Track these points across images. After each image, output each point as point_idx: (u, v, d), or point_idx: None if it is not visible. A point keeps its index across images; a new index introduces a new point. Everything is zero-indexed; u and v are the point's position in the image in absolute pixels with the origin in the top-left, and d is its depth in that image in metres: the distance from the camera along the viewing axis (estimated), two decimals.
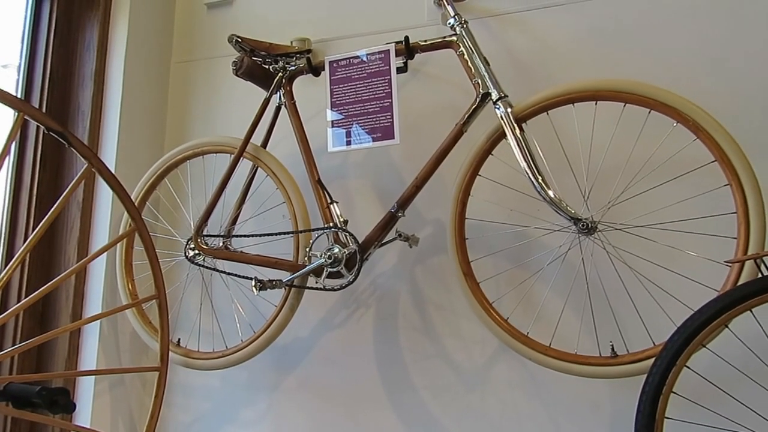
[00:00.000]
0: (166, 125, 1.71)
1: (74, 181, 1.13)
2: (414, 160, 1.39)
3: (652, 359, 0.94)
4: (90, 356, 1.46)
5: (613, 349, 1.07)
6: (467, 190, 1.20)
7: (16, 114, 1.03)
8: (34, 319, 1.46)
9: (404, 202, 1.22)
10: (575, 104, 1.12)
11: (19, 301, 1.43)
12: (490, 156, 1.19)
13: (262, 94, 1.39)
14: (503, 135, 1.15)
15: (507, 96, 1.16)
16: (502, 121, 1.14)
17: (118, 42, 1.56)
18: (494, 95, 1.16)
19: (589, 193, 1.19)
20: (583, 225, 1.07)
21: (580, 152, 1.26)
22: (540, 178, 1.09)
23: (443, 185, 1.36)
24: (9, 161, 1.49)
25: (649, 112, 1.07)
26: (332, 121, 1.31)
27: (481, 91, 1.18)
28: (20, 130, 1.49)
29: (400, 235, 1.27)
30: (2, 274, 1.05)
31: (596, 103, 1.11)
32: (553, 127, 1.23)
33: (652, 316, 1.14)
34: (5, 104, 1.00)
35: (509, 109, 1.14)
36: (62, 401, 0.87)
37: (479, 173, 1.19)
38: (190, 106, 1.70)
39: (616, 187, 1.20)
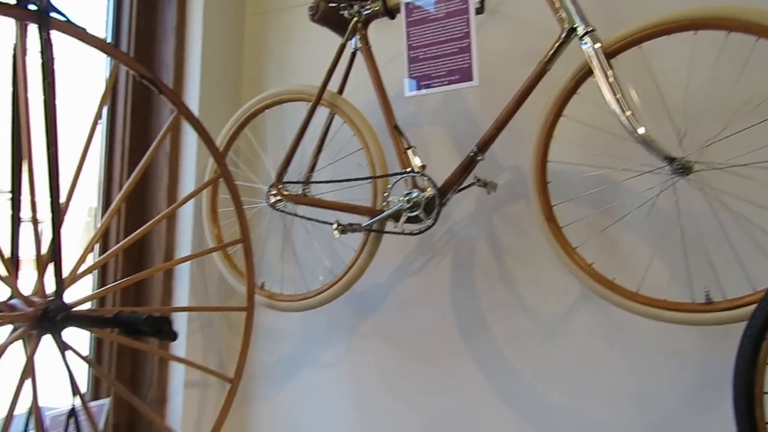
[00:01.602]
0: (243, 76, 1.74)
1: (165, 126, 1.19)
2: (490, 106, 1.35)
3: (752, 305, 0.89)
4: (182, 297, 1.56)
5: (708, 296, 1.02)
6: (550, 131, 1.15)
7: (112, 62, 1.09)
8: (131, 261, 1.57)
9: (484, 145, 1.19)
10: (671, 35, 1.04)
11: (117, 244, 1.54)
12: (575, 95, 1.13)
13: (336, 41, 1.39)
14: (590, 72, 1.09)
15: (594, 30, 1.09)
16: (589, 57, 1.08)
17: None
18: (581, 30, 1.09)
19: (685, 132, 1.11)
20: (677, 165, 1.01)
21: (674, 88, 1.18)
22: (630, 114, 1.03)
23: (522, 131, 1.32)
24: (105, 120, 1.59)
25: (756, 40, 0.98)
26: (409, 65, 1.29)
27: (566, 26, 1.12)
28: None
29: (478, 180, 1.25)
30: (103, 219, 1.13)
31: (695, 33, 1.03)
32: (643, 61, 1.15)
33: (751, 262, 1.08)
34: (103, 52, 1.05)
35: (597, 44, 1.07)
36: (166, 329, 0.94)
37: (563, 114, 1.15)
38: (266, 57, 1.73)
39: (714, 125, 1.12)
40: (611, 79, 1.05)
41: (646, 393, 1.21)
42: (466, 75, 1.22)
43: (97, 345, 1.54)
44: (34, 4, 0.93)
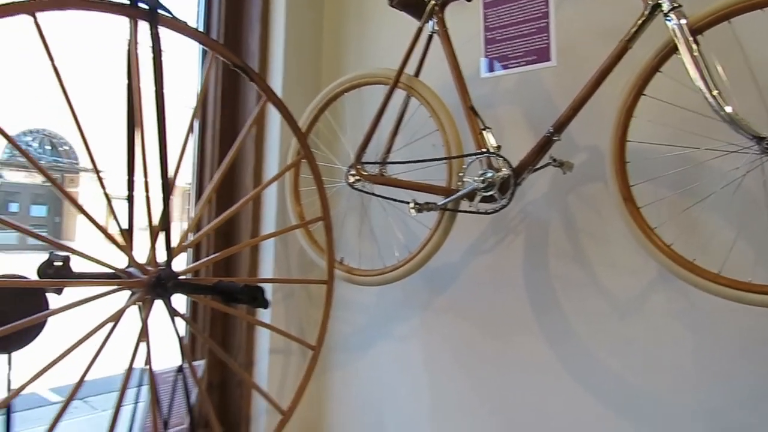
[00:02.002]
0: (322, 61, 1.82)
1: (255, 112, 1.28)
2: (567, 86, 1.34)
3: None
4: (267, 270, 1.68)
5: None
6: (630, 111, 1.14)
7: (209, 52, 1.18)
8: (221, 236, 1.70)
9: (560, 126, 1.20)
10: (765, 9, 1.00)
11: (209, 223, 1.68)
12: (657, 73, 1.12)
13: (412, 25, 1.42)
14: (674, 49, 1.07)
15: (680, 6, 1.06)
16: (673, 34, 1.06)
17: None
18: (665, 6, 1.07)
19: None
20: (767, 144, 0.98)
21: (764, 65, 1.13)
22: (717, 93, 1.00)
23: (600, 110, 1.30)
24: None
25: None
26: (485, 46, 1.31)
27: (650, 2, 1.10)
28: (199, 63, 1.69)
29: (554, 161, 1.26)
30: (201, 200, 1.24)
31: None
32: (730, 37, 1.11)
33: None
34: (202, 44, 1.15)
35: (683, 20, 1.05)
36: (261, 297, 1.04)
37: (644, 93, 1.13)
38: (344, 42, 1.79)
39: None
40: (697, 57, 1.03)
41: (722, 376, 1.20)
42: (543, 55, 1.23)
43: (192, 312, 1.69)
44: (145, 3, 1.03)
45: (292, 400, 1.39)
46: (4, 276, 0.97)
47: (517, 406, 1.45)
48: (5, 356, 1.00)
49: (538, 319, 1.43)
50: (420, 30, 1.41)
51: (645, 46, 1.11)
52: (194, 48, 1.65)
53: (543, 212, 1.43)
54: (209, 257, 1.29)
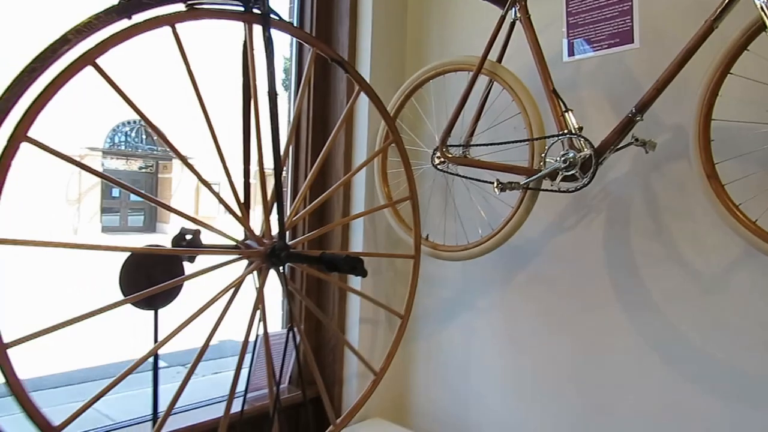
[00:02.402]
0: (407, 50, 1.92)
1: (350, 101, 1.40)
2: (651, 66, 1.36)
3: None
4: (357, 245, 1.82)
5: None
6: (715, 90, 1.16)
7: (309, 48, 1.32)
8: (315, 216, 1.86)
9: (643, 106, 1.24)
10: None
11: (305, 206, 1.84)
12: (745, 52, 1.13)
13: (493, 12, 1.49)
14: (762, 27, 1.08)
15: None
16: (762, 11, 1.07)
17: None
18: None
19: None
20: None
21: None
22: None
23: (686, 88, 1.32)
24: (291, 89, 1.87)
25: None
26: (568, 31, 1.36)
27: None
28: (298, 62, 1.84)
29: (636, 140, 1.29)
30: (306, 183, 1.39)
31: None
32: None
33: None
34: (305, 42, 1.28)
35: None
36: (360, 267, 1.17)
37: (731, 71, 1.15)
38: (427, 31, 1.88)
39: None
40: None
41: None
42: (626, 38, 1.26)
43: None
44: (258, 8, 1.18)
45: (383, 363, 1.53)
46: (150, 245, 1.16)
47: (597, 378, 1.51)
48: (152, 312, 1.19)
49: (619, 294, 1.48)
50: (503, 18, 1.47)
51: (731, 25, 1.12)
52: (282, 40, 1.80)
53: (625, 190, 1.46)
54: (313, 232, 1.44)
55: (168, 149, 1.09)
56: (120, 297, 1.10)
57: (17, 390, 0.91)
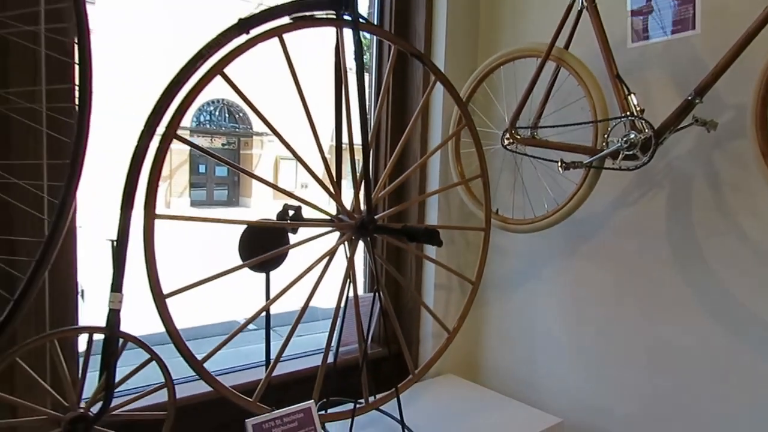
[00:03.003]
0: (479, 38, 2.05)
1: (427, 90, 1.57)
2: (712, 51, 1.43)
3: None
4: (432, 219, 2.01)
5: None
6: None
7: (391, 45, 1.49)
8: (394, 194, 2.05)
9: (702, 90, 1.32)
10: None
11: (384, 187, 2.04)
12: None
13: (558, 1, 1.59)
14: None
15: None
16: None
17: None
18: None
19: None
20: None
21: None
22: None
23: (749, 70, 1.38)
24: (372, 78, 2.06)
25: None
26: (632, 18, 1.45)
27: None
28: (378, 51, 2.02)
29: (696, 120, 1.38)
30: (389, 164, 1.58)
31: None
32: None
33: None
34: (389, 40, 1.46)
35: None
36: (437, 237, 1.36)
37: None
38: (498, 20, 1.99)
39: None
40: None
41: None
42: (688, 24, 1.34)
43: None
44: (348, 15, 1.36)
45: (456, 323, 1.72)
46: (263, 219, 1.40)
47: (657, 345, 1.63)
48: (263, 274, 1.44)
49: (680, 264, 1.58)
50: (570, 6, 1.58)
51: None
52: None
53: (688, 167, 1.55)
54: (394, 208, 1.65)
55: (282, 144, 1.31)
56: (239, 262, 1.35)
57: (172, 331, 1.18)
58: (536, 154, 1.69)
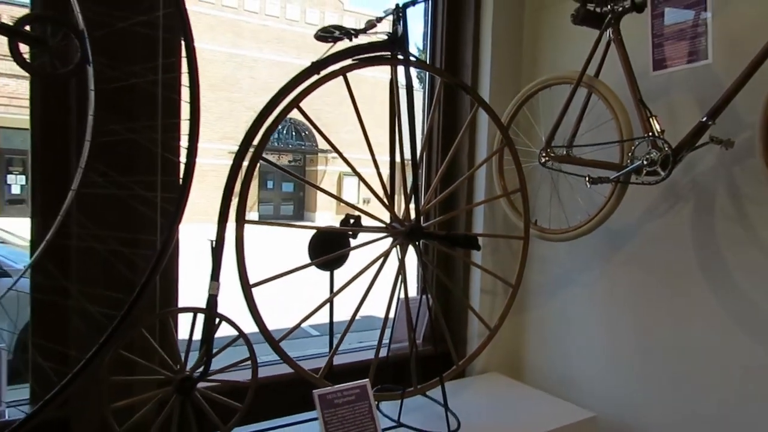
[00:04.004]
0: (522, 66, 2.26)
1: (470, 115, 1.81)
2: (726, 77, 1.58)
3: None
4: (478, 228, 2.22)
5: None
6: None
7: (437, 79, 1.74)
8: (444, 205, 2.28)
9: (714, 113, 1.48)
10: None
11: (436, 196, 2.27)
12: None
13: (589, 34, 1.78)
14: None
15: None
16: None
17: (486, 11, 2.16)
18: None
19: None
20: None
21: None
22: None
23: (763, 91, 1.51)
24: (424, 107, 2.31)
25: None
26: (653, 49, 1.62)
27: None
28: (430, 81, 2.27)
29: (712, 139, 1.53)
30: (437, 177, 1.82)
31: None
32: None
33: None
34: (437, 74, 1.71)
35: None
36: (475, 242, 1.58)
37: None
38: (538, 50, 2.21)
39: None
40: None
41: None
42: (701, 55, 1.51)
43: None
44: (401, 55, 1.62)
45: (497, 321, 1.92)
46: (328, 226, 1.68)
47: (684, 344, 1.76)
48: (328, 272, 1.71)
49: (704, 272, 1.71)
50: (599, 38, 1.77)
51: None
52: None
53: (710, 182, 1.69)
54: (442, 216, 1.88)
55: (345, 163, 1.58)
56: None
57: (256, 315, 1.47)
58: (571, 170, 1.88)
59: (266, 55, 17.29)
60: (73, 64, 1.20)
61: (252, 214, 16.75)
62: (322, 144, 16.63)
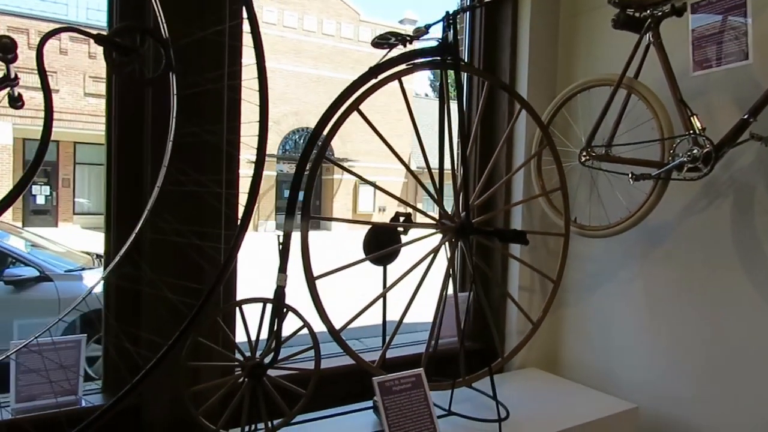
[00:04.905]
0: (558, 70, 2.34)
1: (514, 117, 1.89)
2: (766, 77, 1.64)
3: None
4: (516, 226, 2.29)
5: None
6: None
7: (484, 81, 1.82)
8: (482, 207, 2.36)
9: (755, 111, 1.55)
10: None
11: (478, 197, 2.34)
12: None
13: (628, 37, 1.85)
14: None
15: None
16: None
17: (523, 17, 2.25)
18: None
19: None
20: None
21: None
22: None
23: None
24: (464, 99, 2.39)
25: None
26: (693, 51, 1.69)
27: None
28: (469, 84, 2.35)
29: (753, 136, 1.60)
30: (483, 177, 1.89)
31: None
32: None
33: None
34: (483, 78, 1.79)
35: None
36: (524, 237, 1.65)
37: None
38: (574, 53, 2.28)
39: None
40: None
41: None
42: (741, 56, 1.58)
43: (462, 254, 2.39)
44: (451, 59, 1.71)
45: (539, 315, 1.99)
46: (382, 222, 1.76)
47: (725, 338, 1.82)
48: (381, 267, 1.79)
49: (743, 266, 1.77)
50: (639, 42, 1.84)
51: None
52: None
53: (750, 178, 1.75)
54: (486, 215, 1.96)
55: (405, 168, 1.67)
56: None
57: (319, 306, 1.55)
58: (611, 169, 1.95)
59: (283, 65, 17.58)
60: (159, 71, 1.30)
61: (269, 223, 16.93)
62: (338, 153, 16.83)
